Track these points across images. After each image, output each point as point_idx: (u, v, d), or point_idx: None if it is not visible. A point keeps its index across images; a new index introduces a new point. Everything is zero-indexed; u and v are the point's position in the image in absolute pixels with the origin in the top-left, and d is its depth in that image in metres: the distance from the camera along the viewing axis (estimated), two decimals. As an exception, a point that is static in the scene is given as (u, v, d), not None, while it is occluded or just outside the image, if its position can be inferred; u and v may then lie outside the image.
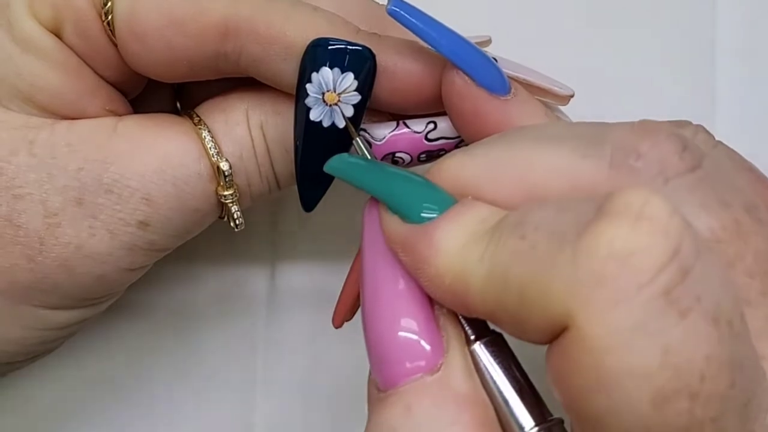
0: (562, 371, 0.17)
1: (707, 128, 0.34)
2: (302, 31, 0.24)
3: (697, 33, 0.35)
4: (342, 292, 0.25)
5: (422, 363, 0.20)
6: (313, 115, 0.25)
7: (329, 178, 0.26)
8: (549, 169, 0.20)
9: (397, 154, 0.26)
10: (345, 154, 0.23)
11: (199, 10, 0.24)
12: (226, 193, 0.26)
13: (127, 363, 0.32)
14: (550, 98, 0.26)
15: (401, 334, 0.20)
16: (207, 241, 0.28)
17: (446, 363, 0.20)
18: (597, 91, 0.33)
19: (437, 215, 0.20)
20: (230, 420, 0.32)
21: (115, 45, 0.25)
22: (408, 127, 0.26)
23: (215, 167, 0.25)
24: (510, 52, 0.27)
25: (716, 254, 0.18)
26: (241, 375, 0.33)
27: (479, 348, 0.20)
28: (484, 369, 0.20)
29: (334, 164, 0.23)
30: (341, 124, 0.25)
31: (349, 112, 0.25)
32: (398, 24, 0.24)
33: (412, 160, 0.27)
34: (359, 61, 0.24)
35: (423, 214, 0.20)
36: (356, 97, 0.25)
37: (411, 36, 0.24)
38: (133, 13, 0.24)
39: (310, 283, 0.33)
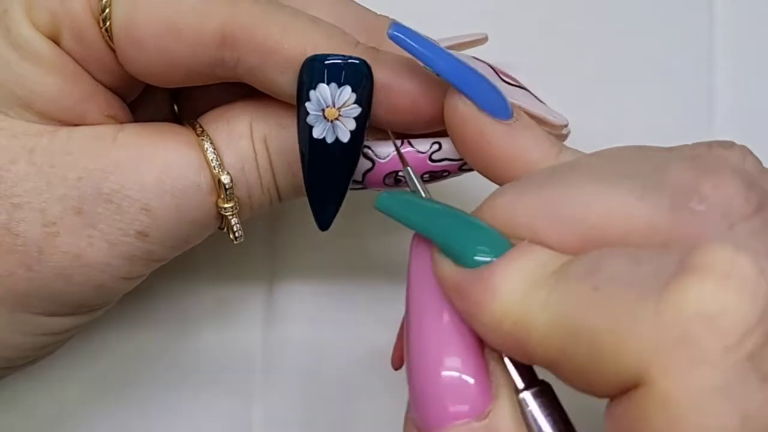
0: (629, 429, 0.17)
1: (705, 136, 0.34)
2: (299, 45, 0.24)
3: (695, 42, 0.35)
4: (399, 334, 0.25)
5: (466, 408, 0.20)
6: (316, 133, 0.25)
7: (340, 194, 0.26)
8: (606, 212, 0.19)
9: (401, 173, 0.26)
10: (396, 191, 0.23)
11: (197, 18, 0.24)
12: (226, 205, 0.26)
13: (127, 367, 0.32)
14: (544, 127, 0.26)
15: (446, 374, 0.20)
16: (207, 244, 0.28)
17: (494, 410, 0.20)
18: (594, 99, 0.34)
19: (491, 259, 0.20)
20: (229, 423, 0.32)
21: (113, 51, 0.25)
22: (412, 146, 0.26)
23: (216, 179, 0.25)
24: (504, 60, 0.27)
25: None
26: (240, 379, 0.33)
27: (528, 397, 0.20)
28: (531, 420, 0.20)
29: (384, 201, 0.23)
30: (345, 138, 0.25)
31: (351, 125, 0.25)
32: None
33: (414, 179, 0.27)
34: (355, 74, 0.24)
35: (477, 258, 0.20)
36: (356, 110, 0.24)
37: None
38: (131, 20, 0.24)
39: (309, 288, 0.33)
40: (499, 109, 0.24)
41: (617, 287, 0.17)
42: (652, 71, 0.35)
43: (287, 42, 0.24)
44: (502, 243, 0.20)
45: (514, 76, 0.28)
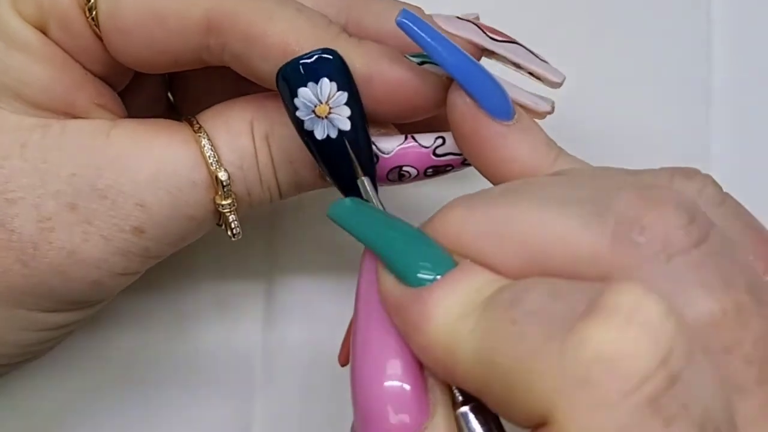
0: None
1: (703, 135, 0.33)
2: (283, 33, 0.24)
3: (693, 40, 0.34)
4: (348, 332, 0.25)
5: (407, 419, 0.20)
6: (319, 135, 0.24)
7: (373, 176, 0.25)
8: (551, 238, 0.19)
9: (404, 168, 0.26)
10: (348, 199, 0.23)
11: (182, 5, 0.24)
12: (223, 202, 0.25)
13: (127, 365, 0.32)
14: (541, 82, 0.26)
15: (388, 384, 0.20)
16: (207, 242, 0.27)
17: (430, 427, 0.20)
18: (593, 98, 0.33)
19: (434, 277, 0.20)
20: (230, 420, 0.32)
21: (101, 39, 0.25)
22: (416, 141, 0.26)
23: (213, 176, 0.25)
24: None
25: (714, 341, 0.18)
26: (240, 376, 0.33)
27: (466, 413, 0.20)
28: None
29: (335, 210, 0.22)
30: (346, 126, 0.24)
31: (346, 112, 0.24)
32: (377, 11, 0.25)
33: (418, 174, 0.26)
34: (326, 65, 0.24)
35: (420, 275, 0.20)
36: (344, 96, 0.24)
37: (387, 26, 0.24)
38: (117, 9, 0.24)
39: (308, 285, 0.33)
40: (499, 109, 0.23)
41: (531, 323, 0.18)
42: (651, 70, 0.34)
43: (271, 30, 0.24)
44: (446, 261, 0.20)
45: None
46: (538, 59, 0.26)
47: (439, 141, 0.25)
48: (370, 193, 0.24)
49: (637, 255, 0.18)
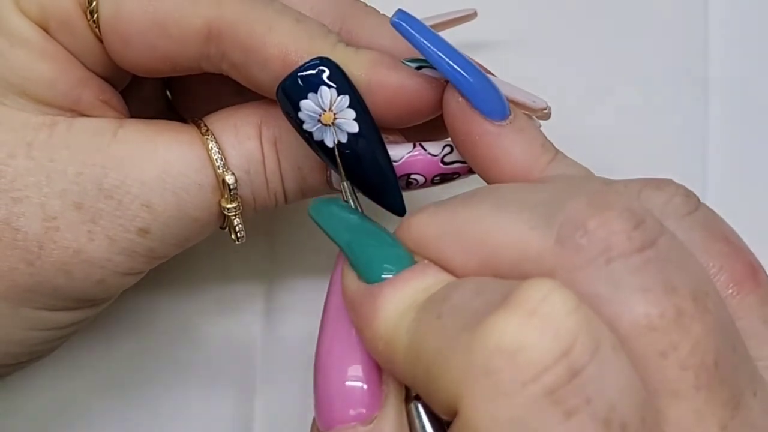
0: None
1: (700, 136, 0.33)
2: (282, 46, 0.24)
3: (690, 39, 0.35)
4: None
5: (363, 411, 0.21)
6: (329, 142, 0.24)
7: (392, 175, 0.25)
8: (502, 239, 0.20)
9: (412, 176, 0.26)
10: (327, 199, 0.24)
11: (183, 14, 0.24)
12: (229, 205, 0.25)
13: (128, 362, 0.32)
14: (525, 110, 0.26)
15: (348, 383, 0.21)
16: (208, 240, 0.27)
17: (380, 417, 0.21)
18: (590, 95, 0.34)
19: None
20: (230, 418, 0.32)
21: (102, 41, 0.25)
22: (424, 149, 0.26)
23: (220, 179, 0.25)
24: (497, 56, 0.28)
25: (649, 345, 0.18)
26: (241, 373, 0.33)
27: (416, 406, 0.20)
28: (418, 428, 0.20)
29: (314, 208, 0.23)
30: (355, 129, 0.24)
31: (351, 114, 0.24)
32: (371, 26, 0.25)
33: (426, 181, 0.26)
34: (322, 74, 0.24)
35: (384, 276, 0.21)
36: (346, 99, 0.24)
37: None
38: (118, 14, 0.24)
39: (308, 282, 0.33)
40: (493, 109, 0.23)
41: (452, 317, 0.18)
42: (649, 68, 0.34)
43: (270, 41, 0.24)
44: (406, 261, 0.21)
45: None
46: (519, 90, 0.26)
47: (447, 149, 0.26)
48: (350, 195, 0.24)
49: (578, 257, 0.18)
